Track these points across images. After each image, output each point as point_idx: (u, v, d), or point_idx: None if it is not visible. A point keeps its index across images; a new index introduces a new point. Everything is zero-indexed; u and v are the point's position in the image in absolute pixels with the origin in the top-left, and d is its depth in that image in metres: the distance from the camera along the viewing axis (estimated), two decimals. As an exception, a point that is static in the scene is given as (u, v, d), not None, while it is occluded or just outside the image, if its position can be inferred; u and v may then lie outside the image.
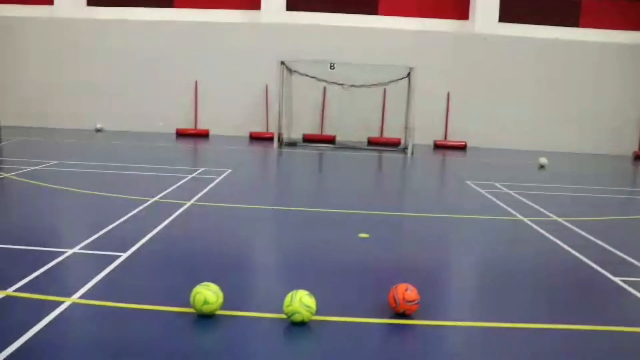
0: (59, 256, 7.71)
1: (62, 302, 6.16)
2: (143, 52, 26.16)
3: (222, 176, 14.70)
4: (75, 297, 6.34)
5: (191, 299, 5.93)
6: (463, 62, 26.53)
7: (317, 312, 6.03)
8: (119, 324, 5.64)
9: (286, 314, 5.93)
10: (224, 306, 6.06)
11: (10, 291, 6.40)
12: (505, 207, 12.56)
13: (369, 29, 26.36)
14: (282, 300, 6.05)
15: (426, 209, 12.18)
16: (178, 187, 12.94)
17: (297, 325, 5.92)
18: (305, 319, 5.86)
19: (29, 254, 7.82)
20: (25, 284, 6.59)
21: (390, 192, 15.06)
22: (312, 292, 6.11)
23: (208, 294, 5.88)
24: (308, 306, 5.84)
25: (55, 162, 16.12)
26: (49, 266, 7.27)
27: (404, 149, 23.19)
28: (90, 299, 6.34)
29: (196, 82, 26.32)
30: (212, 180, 13.91)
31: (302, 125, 26.50)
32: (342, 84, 24.89)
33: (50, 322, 5.66)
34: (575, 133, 26.52)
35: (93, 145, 21.22)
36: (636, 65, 26.45)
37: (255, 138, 26.10)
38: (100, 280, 6.89)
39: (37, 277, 6.87)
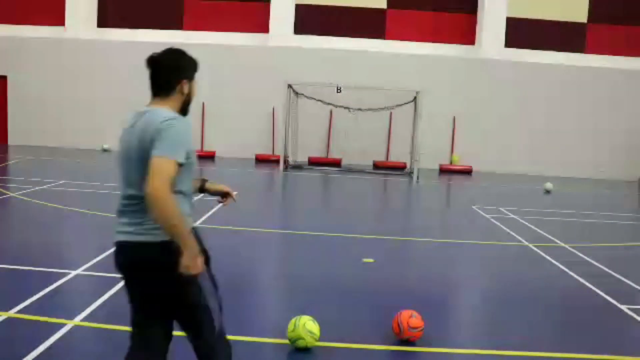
0: (63, 277, 7.65)
1: (64, 325, 6.08)
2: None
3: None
4: (78, 320, 6.26)
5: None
6: (469, 86, 26.48)
7: (321, 338, 5.95)
8: (121, 347, 5.39)
9: (290, 339, 5.84)
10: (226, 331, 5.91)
11: (12, 312, 6.32)
12: (511, 232, 12.50)
13: (376, 53, 26.44)
14: (285, 325, 5.97)
15: (431, 234, 12.07)
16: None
17: (300, 351, 5.84)
18: (309, 345, 5.76)
19: (32, 274, 7.73)
20: (27, 306, 6.51)
21: (395, 217, 14.80)
22: (315, 317, 6.04)
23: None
24: (311, 332, 5.75)
25: (61, 181, 16.02)
26: (52, 287, 7.20)
27: (410, 173, 22.82)
28: (93, 321, 6.26)
29: (203, 103, 26.25)
30: (217, 202, 13.49)
31: (308, 148, 26.45)
32: (348, 108, 24.82)
33: (52, 345, 5.57)
34: (582, 158, 26.39)
35: (99, 165, 21.12)
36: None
37: (261, 160, 26.00)
38: (104, 303, 6.82)
39: (39, 298, 6.80)
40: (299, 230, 11.54)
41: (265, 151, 26.41)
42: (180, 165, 3.47)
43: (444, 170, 25.91)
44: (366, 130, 26.19)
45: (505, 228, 12.84)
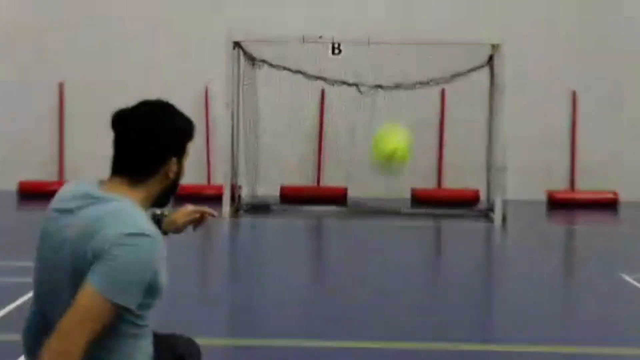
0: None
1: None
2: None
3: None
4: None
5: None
6: (602, 26, 19.24)
7: None
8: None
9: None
10: None
11: None
12: None
13: None
14: None
15: (544, 337, 8.25)
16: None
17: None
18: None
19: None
20: None
21: (467, 304, 10.00)
22: None
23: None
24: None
25: None
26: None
27: (487, 212, 16.94)
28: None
29: (62, 86, 19.95)
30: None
31: (280, 168, 19.17)
32: (356, 85, 17.49)
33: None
34: None
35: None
36: None
37: (186, 198, 14.99)
38: None
39: None
40: (269, 338, 7.71)
41: (194, 179, 18.73)
42: (126, 310, 2.60)
43: (556, 202, 19.09)
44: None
45: None
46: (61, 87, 19.79)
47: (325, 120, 19.59)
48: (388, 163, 5.09)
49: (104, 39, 19.75)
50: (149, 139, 2.75)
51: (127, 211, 2.63)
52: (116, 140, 2.78)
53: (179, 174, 2.86)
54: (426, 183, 19.40)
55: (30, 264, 3.21)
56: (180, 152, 2.84)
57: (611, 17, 19.54)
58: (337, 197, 18.47)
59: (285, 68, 17.33)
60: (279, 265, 12.30)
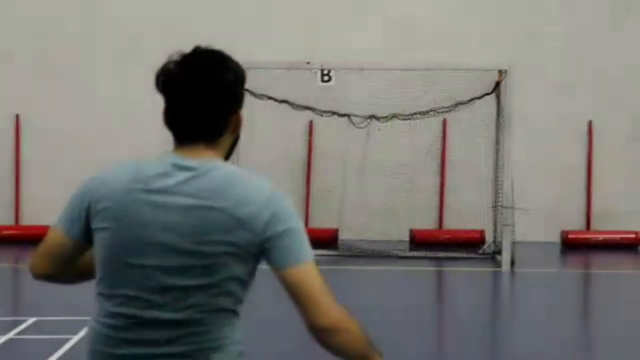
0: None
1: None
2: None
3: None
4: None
5: None
6: (619, 44, 18.53)
7: None
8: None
9: None
10: None
11: None
12: None
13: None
14: None
15: None
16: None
17: None
18: None
19: None
20: None
21: (470, 358, 9.95)
22: None
23: None
24: None
25: None
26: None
27: (494, 254, 16.11)
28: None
29: None
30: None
31: None
32: (348, 115, 16.85)
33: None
34: None
35: None
36: None
37: None
38: None
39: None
40: None
41: None
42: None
43: (571, 244, 18.04)
44: (391, 162, 17.94)
45: None
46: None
47: (314, 154, 18.69)
48: None
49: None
50: (216, 94, 2.52)
51: (242, 172, 2.57)
52: (171, 102, 2.53)
53: (241, 126, 2.76)
54: (426, 223, 18.50)
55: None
56: (242, 102, 2.69)
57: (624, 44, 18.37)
58: (327, 240, 17.23)
59: (269, 97, 16.33)
60: (261, 315, 10.59)
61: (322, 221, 18.06)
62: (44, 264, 2.49)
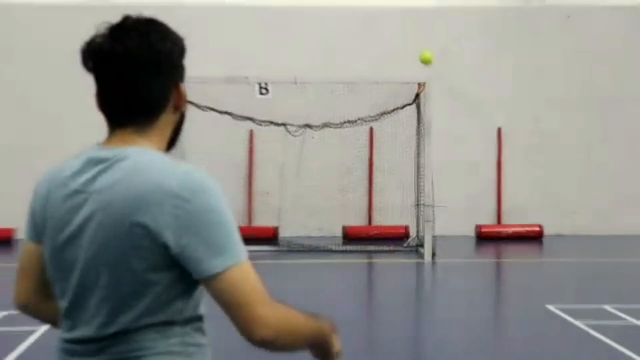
0: None
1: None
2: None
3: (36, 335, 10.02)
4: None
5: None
6: (527, 65, 19.82)
7: None
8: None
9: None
10: None
11: None
12: (629, 354, 9.03)
13: (338, 8, 19.95)
14: None
15: None
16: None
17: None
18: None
19: None
20: None
21: (397, 338, 10.54)
22: None
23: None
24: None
25: None
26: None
27: (417, 247, 17.08)
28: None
29: None
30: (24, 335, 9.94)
31: None
32: (284, 125, 17.59)
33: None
34: None
35: None
36: None
37: None
38: None
39: None
40: None
41: None
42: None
43: (484, 236, 19.24)
44: (324, 165, 18.92)
45: (617, 346, 9.43)
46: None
47: (253, 161, 19.60)
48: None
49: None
50: (148, 68, 2.17)
51: (155, 162, 2.12)
52: (101, 80, 2.18)
53: (184, 101, 2.32)
54: (357, 221, 19.56)
55: None
56: (181, 75, 2.30)
57: (539, 57, 19.98)
58: (269, 237, 18.29)
59: (211, 109, 17.21)
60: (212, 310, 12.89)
61: (264, 220, 19.14)
62: (20, 289, 2.28)
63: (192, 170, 2.05)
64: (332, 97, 17.70)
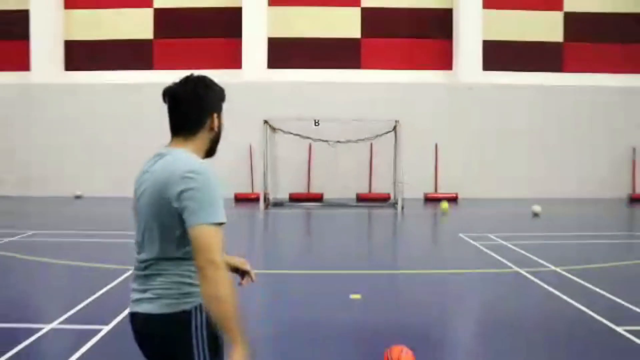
0: (36, 333, 7.17)
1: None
2: (124, 115, 25.83)
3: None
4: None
5: None
6: (450, 112, 26.62)
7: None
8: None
9: None
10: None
11: None
12: (500, 259, 12.30)
13: (353, 83, 26.41)
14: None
15: (419, 266, 11.89)
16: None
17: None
18: None
19: (1, 331, 7.31)
20: None
21: (381, 250, 14.80)
22: (305, 358, 5.99)
23: None
24: None
25: (31, 232, 15.54)
26: (24, 344, 6.76)
27: (394, 204, 22.67)
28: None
29: None
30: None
31: (288, 184, 26.17)
32: (327, 141, 24.69)
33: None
34: (567, 178, 26.59)
35: (71, 213, 20.79)
36: (622, 106, 26.85)
37: (240, 199, 25.59)
38: (82, 356, 6.44)
39: (13, 356, 6.39)
40: (284, 269, 11.39)
41: (244, 190, 25.98)
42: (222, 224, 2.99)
43: (429, 199, 25.91)
44: (347, 162, 26.04)
45: (494, 255, 12.66)
46: None
47: (311, 159, 26.34)
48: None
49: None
50: (192, 102, 3.11)
51: (183, 155, 3.01)
52: (169, 109, 3.14)
53: (219, 127, 3.25)
54: (364, 190, 26.32)
55: None
56: (218, 109, 3.23)
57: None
58: (319, 198, 25.12)
59: (290, 133, 24.53)
60: (289, 227, 18.40)
61: (316, 190, 26.01)
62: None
63: (199, 163, 2.96)
64: (347, 127, 24.27)
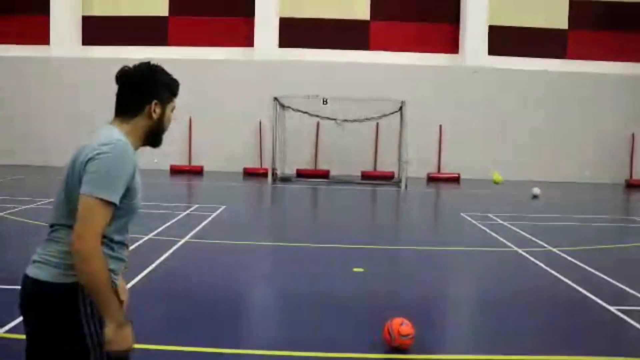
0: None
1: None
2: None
3: (216, 213, 14.64)
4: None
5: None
6: (455, 95, 27.01)
7: (311, 348, 6.01)
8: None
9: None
10: (217, 344, 5.98)
11: (1, 332, 6.12)
12: (499, 238, 12.59)
13: (361, 64, 26.97)
14: (273, 337, 6.10)
15: (421, 242, 12.26)
16: (172, 224, 12.86)
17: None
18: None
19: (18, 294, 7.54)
20: (15, 326, 6.18)
21: (384, 226, 15.10)
22: (308, 329, 6.19)
23: None
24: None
25: (47, 200, 15.86)
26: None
27: (398, 183, 23.10)
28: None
29: (190, 118, 26.56)
30: (206, 217, 13.89)
31: (296, 160, 26.63)
32: (334, 119, 25.05)
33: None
34: (568, 162, 27.00)
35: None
36: (623, 93, 27.15)
37: (249, 174, 26.24)
38: None
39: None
40: (290, 242, 11.68)
41: (253, 165, 26.70)
42: (116, 207, 2.92)
43: (431, 179, 26.46)
44: (353, 141, 26.44)
45: (494, 234, 12.98)
46: None
47: (319, 137, 27.16)
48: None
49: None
50: (135, 85, 3.13)
51: (108, 133, 3.00)
52: (117, 89, 3.16)
53: (162, 118, 3.20)
54: (369, 168, 26.95)
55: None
56: (162, 99, 3.18)
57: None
58: (325, 175, 25.86)
59: (299, 111, 25.20)
60: (295, 202, 19.20)
61: (323, 166, 26.60)
62: None
63: (116, 138, 2.95)
64: (355, 106, 24.72)
